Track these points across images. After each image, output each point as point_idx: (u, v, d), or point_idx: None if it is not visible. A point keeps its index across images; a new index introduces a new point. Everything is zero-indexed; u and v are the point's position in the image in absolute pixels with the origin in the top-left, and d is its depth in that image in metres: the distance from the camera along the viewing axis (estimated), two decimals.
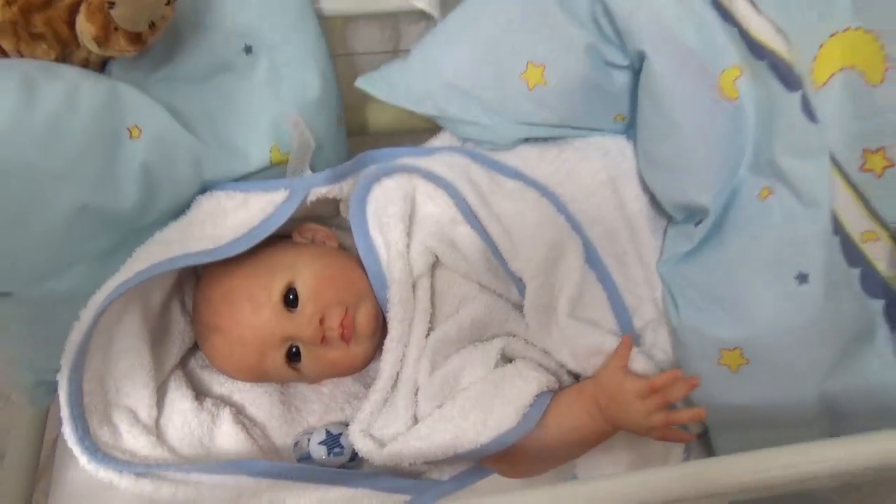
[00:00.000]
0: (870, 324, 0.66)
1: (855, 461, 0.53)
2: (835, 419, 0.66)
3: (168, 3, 0.62)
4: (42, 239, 0.63)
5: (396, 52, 0.92)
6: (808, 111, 0.60)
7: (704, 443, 0.71)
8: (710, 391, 0.65)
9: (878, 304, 0.66)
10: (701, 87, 0.62)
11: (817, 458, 0.54)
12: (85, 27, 0.61)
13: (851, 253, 0.65)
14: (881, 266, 0.65)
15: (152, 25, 0.62)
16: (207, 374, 0.76)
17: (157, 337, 0.72)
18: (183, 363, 0.76)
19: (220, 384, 0.76)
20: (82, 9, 0.61)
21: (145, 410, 0.69)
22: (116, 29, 0.61)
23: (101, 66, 0.70)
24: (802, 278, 0.61)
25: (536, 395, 0.64)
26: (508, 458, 0.65)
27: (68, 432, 0.63)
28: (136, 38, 0.62)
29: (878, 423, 0.63)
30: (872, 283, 0.65)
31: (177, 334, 0.74)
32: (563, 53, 0.68)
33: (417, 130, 0.93)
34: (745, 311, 0.63)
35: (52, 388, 0.72)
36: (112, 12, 0.59)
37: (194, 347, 0.77)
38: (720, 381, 0.65)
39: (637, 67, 0.68)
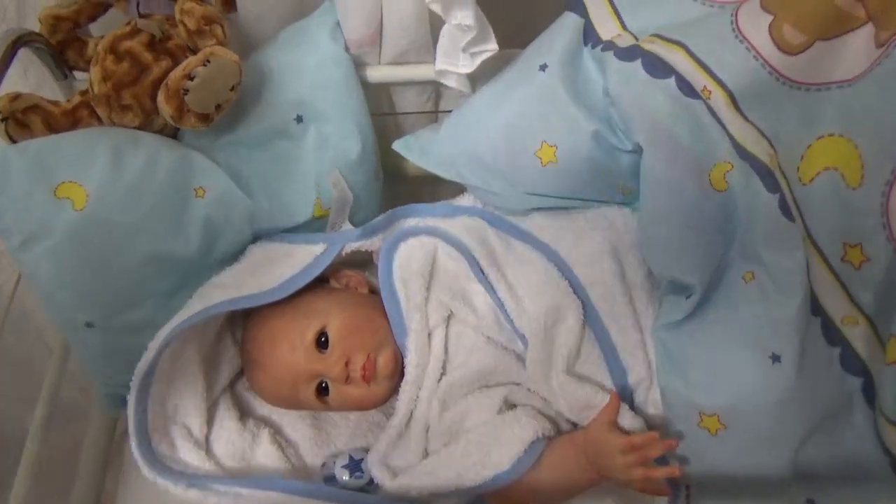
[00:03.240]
0: (848, 399, 0.71)
1: None
2: (812, 484, 0.71)
3: (232, 90, 0.73)
4: (120, 280, 0.75)
5: (436, 112, 1.02)
6: (786, 211, 0.66)
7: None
8: (691, 449, 0.72)
9: (856, 382, 0.71)
10: (690, 180, 0.69)
11: None
12: (163, 106, 0.72)
13: (831, 333, 0.70)
14: (859, 347, 0.70)
15: (218, 107, 0.74)
16: (251, 397, 0.87)
17: (210, 363, 0.84)
18: (231, 385, 0.88)
19: (262, 406, 0.86)
20: (161, 91, 0.72)
21: (197, 427, 0.80)
22: (188, 110, 0.72)
23: (175, 131, 0.83)
24: (775, 358, 0.67)
25: (531, 443, 0.72)
26: (505, 495, 0.74)
27: (134, 445, 0.74)
28: (205, 118, 0.73)
29: (851, 489, 0.68)
30: (851, 362, 0.70)
31: (227, 361, 0.85)
32: (572, 137, 0.76)
33: (446, 180, 1.02)
34: (722, 381, 0.70)
35: (120, 401, 0.85)
36: (185, 98, 0.71)
37: (241, 372, 0.88)
38: (700, 441, 0.71)
39: (639, 153, 0.74)
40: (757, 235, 0.68)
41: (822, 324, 0.70)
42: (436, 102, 1.01)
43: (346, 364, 0.76)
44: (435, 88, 0.98)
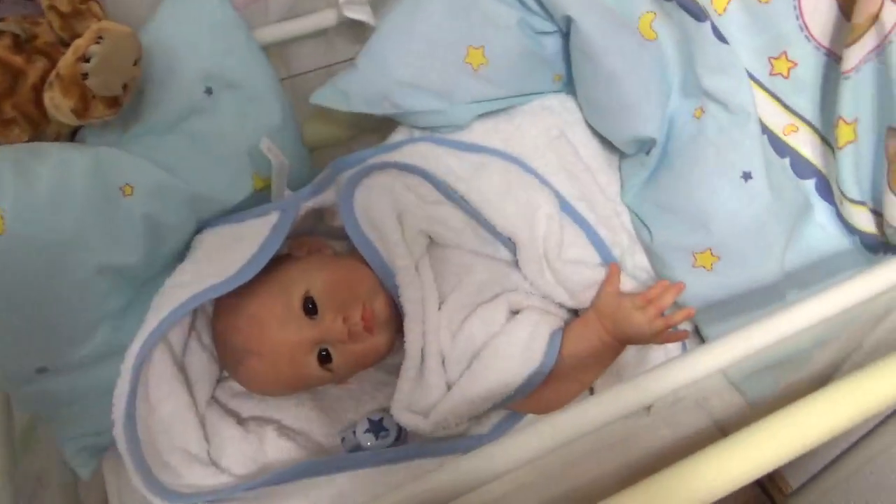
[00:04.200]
0: (807, 201, 0.77)
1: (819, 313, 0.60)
2: (798, 284, 0.76)
3: (135, 64, 0.66)
4: (67, 309, 0.65)
5: (330, 66, 0.98)
6: (719, 35, 0.70)
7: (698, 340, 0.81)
8: (693, 292, 0.75)
9: (809, 183, 0.77)
10: (626, 37, 0.71)
11: (792, 318, 0.60)
12: (62, 102, 0.64)
13: (778, 146, 0.76)
14: (806, 151, 0.76)
15: (125, 87, 0.66)
16: (237, 403, 0.80)
17: (186, 376, 0.76)
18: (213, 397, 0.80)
19: (253, 407, 0.79)
20: (55, 85, 0.64)
21: (196, 446, 0.72)
22: (94, 97, 0.64)
23: (72, 136, 0.73)
24: (747, 176, 0.71)
25: (551, 335, 0.72)
26: (538, 396, 0.72)
27: (137, 481, 0.66)
28: (114, 102, 0.65)
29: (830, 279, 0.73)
30: (801, 166, 0.76)
31: (202, 370, 0.77)
32: (498, 32, 0.76)
33: (363, 136, 0.99)
34: (705, 214, 0.73)
35: (94, 452, 0.75)
36: (87, 83, 0.63)
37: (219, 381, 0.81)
38: (699, 281, 0.74)
39: (565, 30, 0.76)
40: (697, 68, 0.71)
41: (768, 139, 0.75)
42: (330, 56, 0.97)
43: (344, 321, 0.71)
44: (328, 40, 0.94)
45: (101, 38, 0.63)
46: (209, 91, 0.75)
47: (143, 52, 0.67)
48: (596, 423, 0.58)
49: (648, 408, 0.61)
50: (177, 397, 0.72)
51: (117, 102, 0.66)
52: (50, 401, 0.70)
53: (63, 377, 0.68)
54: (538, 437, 0.55)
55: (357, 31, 0.94)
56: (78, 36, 0.67)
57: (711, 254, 0.73)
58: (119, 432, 0.66)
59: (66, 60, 0.63)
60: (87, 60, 0.62)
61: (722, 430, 0.82)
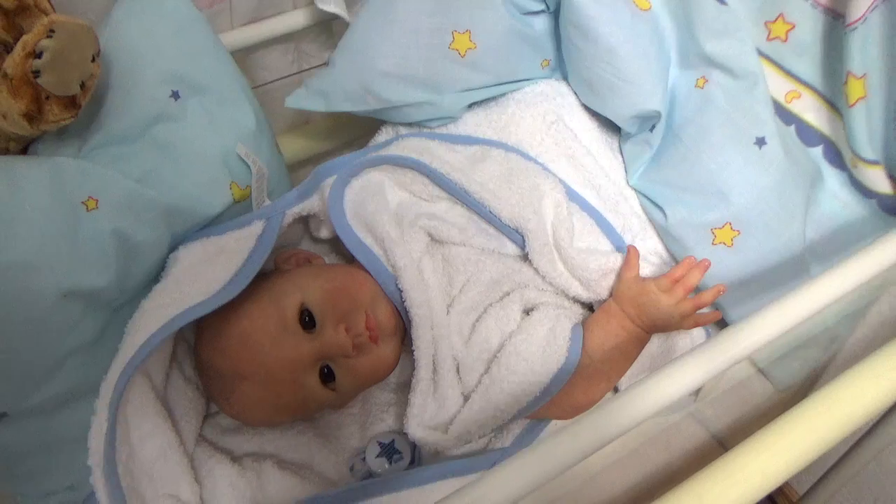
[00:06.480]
0: (817, 169, 0.74)
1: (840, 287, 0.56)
2: (818, 256, 0.72)
3: (93, 60, 0.59)
4: (27, 341, 0.57)
5: (300, 72, 0.92)
6: None
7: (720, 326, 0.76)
8: (714, 272, 0.70)
9: (817, 151, 0.74)
10: (619, 7, 0.68)
11: (816, 295, 0.55)
12: (11, 106, 0.56)
13: (782, 114, 0.73)
14: (810, 117, 0.73)
15: (83, 86, 0.59)
16: (228, 439, 0.72)
17: (170, 413, 0.67)
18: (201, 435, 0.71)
19: (246, 443, 0.71)
20: (2, 88, 0.56)
21: (187, 489, 0.63)
22: (48, 98, 0.57)
23: (23, 152, 0.65)
24: (760, 142, 0.67)
25: (571, 330, 0.66)
26: (564, 398, 0.66)
27: None
28: (71, 103, 0.58)
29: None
30: (807, 134, 0.73)
31: (188, 404, 0.69)
32: (483, 14, 0.71)
33: (340, 146, 0.94)
34: (720, 188, 0.69)
35: None
36: (40, 81, 0.55)
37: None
38: (720, 259, 0.70)
39: (553, 8, 0.72)
40: (697, 35, 0.68)
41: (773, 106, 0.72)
42: (299, 63, 0.92)
43: (347, 331, 0.64)
44: (297, 45, 0.89)
45: (52, 31, 0.56)
46: (175, 95, 0.68)
47: (100, 47, 0.60)
48: (643, 414, 0.52)
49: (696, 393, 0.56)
50: (161, 435, 0.63)
51: (75, 104, 0.59)
52: (8, 453, 0.60)
53: (24, 424, 0.59)
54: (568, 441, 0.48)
55: (327, 36, 0.89)
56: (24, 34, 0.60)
57: (731, 228, 0.69)
58: (98, 481, 0.57)
59: (14, 59, 0.55)
60: (39, 56, 0.55)
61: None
